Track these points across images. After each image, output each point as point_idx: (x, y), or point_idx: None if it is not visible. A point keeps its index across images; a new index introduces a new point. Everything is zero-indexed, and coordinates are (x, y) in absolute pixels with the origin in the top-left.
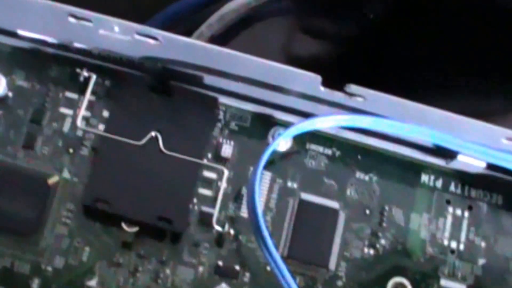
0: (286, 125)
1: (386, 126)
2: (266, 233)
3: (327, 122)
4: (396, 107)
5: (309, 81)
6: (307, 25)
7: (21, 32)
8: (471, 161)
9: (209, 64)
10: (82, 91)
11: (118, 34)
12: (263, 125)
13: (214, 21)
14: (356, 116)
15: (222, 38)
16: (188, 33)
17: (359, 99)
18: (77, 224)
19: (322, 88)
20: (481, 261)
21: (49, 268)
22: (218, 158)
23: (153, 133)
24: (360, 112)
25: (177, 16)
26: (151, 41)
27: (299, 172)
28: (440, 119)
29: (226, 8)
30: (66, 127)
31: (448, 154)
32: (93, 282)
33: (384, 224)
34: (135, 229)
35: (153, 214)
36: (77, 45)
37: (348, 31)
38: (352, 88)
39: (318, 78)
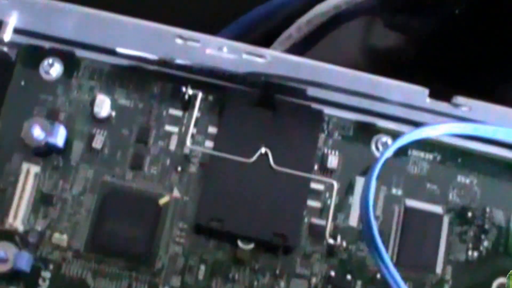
0: (388, 132)
1: (492, 132)
2: (379, 243)
3: (437, 130)
4: (499, 114)
5: (416, 93)
6: (392, 23)
7: (120, 50)
8: None
9: (314, 78)
10: (185, 108)
11: (225, 54)
12: (366, 134)
13: (303, 23)
14: (465, 124)
15: (309, 40)
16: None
17: (464, 108)
18: (190, 243)
19: (428, 100)
20: None
21: None
22: (325, 169)
23: (263, 150)
24: (468, 120)
25: (249, 25)
26: (258, 59)
27: (403, 178)
28: None
29: (315, 10)
30: (172, 145)
31: None
32: None
33: (486, 226)
34: (251, 246)
35: (268, 231)
36: (178, 61)
37: (433, 27)
38: (459, 99)
39: (425, 91)
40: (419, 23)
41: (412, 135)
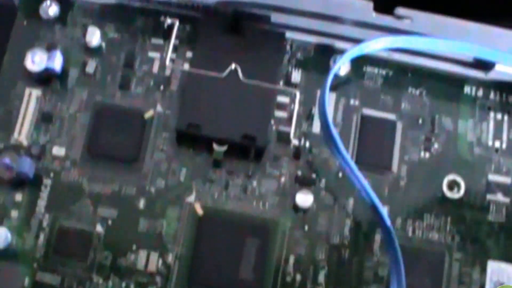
0: (344, 52)
1: (428, 43)
2: (338, 140)
3: (376, 44)
4: (440, 25)
5: (362, 7)
6: None
7: None
8: (508, 69)
9: (275, 2)
10: (166, 37)
11: None
12: (325, 54)
13: None
14: (401, 36)
15: None
16: None
17: (407, 21)
18: (172, 150)
19: (374, 14)
20: None
21: (152, 189)
22: (289, 84)
23: (233, 66)
24: (406, 33)
25: None
26: None
27: (359, 91)
28: (479, 32)
29: None
30: (155, 68)
31: (487, 65)
32: (191, 198)
33: (436, 131)
34: (224, 148)
35: (239, 133)
36: None
37: None
38: (400, 10)
39: (370, 4)
40: None
41: (354, 50)
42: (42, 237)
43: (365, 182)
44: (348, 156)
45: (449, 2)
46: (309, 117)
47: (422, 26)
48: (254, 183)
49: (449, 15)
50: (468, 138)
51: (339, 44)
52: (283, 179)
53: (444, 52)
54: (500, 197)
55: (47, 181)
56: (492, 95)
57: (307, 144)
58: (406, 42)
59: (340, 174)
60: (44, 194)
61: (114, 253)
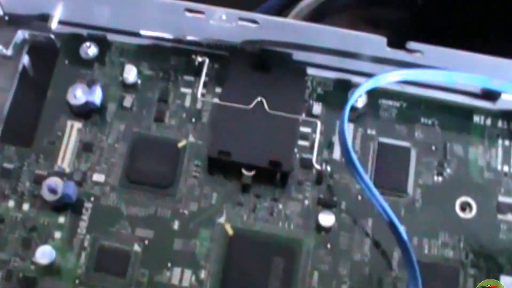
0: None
1: (438, 75)
2: (358, 164)
3: (389, 77)
4: (449, 57)
5: (376, 42)
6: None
7: (143, 32)
8: None
9: (297, 40)
10: (197, 74)
11: (224, 22)
12: (343, 88)
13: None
14: (413, 70)
15: None
16: None
17: (418, 54)
18: (204, 176)
19: (388, 49)
20: None
21: (186, 212)
22: (311, 115)
23: (259, 98)
24: (418, 66)
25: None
26: (252, 24)
27: (376, 121)
28: (487, 64)
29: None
30: (187, 103)
31: (494, 96)
32: (222, 219)
33: (448, 157)
34: (252, 173)
35: (266, 160)
36: (189, 37)
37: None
38: (412, 44)
39: (383, 39)
40: (389, 15)
41: (369, 83)
42: (83, 255)
43: (384, 202)
44: (367, 177)
45: (458, 34)
46: (330, 145)
47: (432, 59)
48: (280, 205)
49: (459, 47)
50: (478, 163)
51: (356, 79)
52: (306, 202)
53: (453, 84)
54: (510, 217)
55: (88, 205)
56: (500, 123)
57: (328, 169)
58: (417, 75)
59: (360, 197)
60: (85, 216)
61: (150, 271)
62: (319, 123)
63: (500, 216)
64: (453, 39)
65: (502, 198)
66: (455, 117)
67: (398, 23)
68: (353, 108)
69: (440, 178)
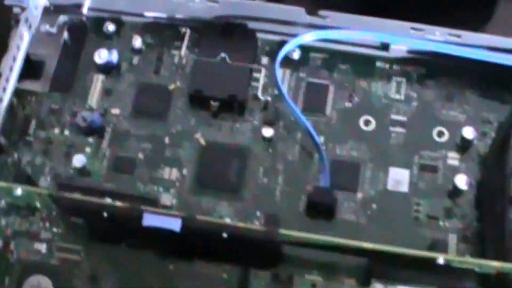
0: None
1: (343, 34)
2: (286, 96)
3: (306, 37)
4: (352, 20)
5: (298, 12)
6: None
7: (146, 13)
8: (400, 48)
9: (250, 14)
10: (182, 41)
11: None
12: (282, 46)
13: None
14: (322, 30)
15: None
16: None
17: (328, 19)
18: (186, 108)
19: (307, 16)
20: (414, 104)
21: (174, 130)
22: (260, 64)
23: (223, 54)
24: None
25: None
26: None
27: (306, 68)
28: (379, 23)
29: None
30: (176, 60)
31: (386, 46)
32: (198, 135)
33: (356, 90)
34: (218, 103)
35: (227, 93)
36: (177, 16)
37: None
38: (323, 12)
39: (302, 9)
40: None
41: (293, 41)
42: (105, 162)
43: (307, 121)
44: (293, 104)
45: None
46: (272, 84)
47: (339, 22)
48: (238, 125)
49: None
50: (378, 93)
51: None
52: (255, 122)
53: (357, 40)
54: (398, 129)
55: (108, 129)
56: (394, 67)
57: (270, 100)
58: (327, 34)
59: (292, 118)
60: (107, 137)
61: (150, 170)
62: (263, 70)
63: (391, 128)
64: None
65: (393, 116)
66: (362, 64)
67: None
68: (291, 60)
69: (350, 104)
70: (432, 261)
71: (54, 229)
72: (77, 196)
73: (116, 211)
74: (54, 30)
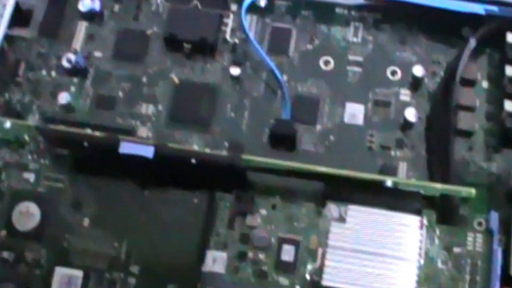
0: None
1: None
2: (254, 42)
3: None
4: None
5: None
6: None
7: None
8: None
9: None
10: None
11: None
12: None
13: None
14: None
15: None
16: None
17: None
18: (162, 50)
19: None
20: (370, 46)
21: (150, 71)
22: (229, 11)
23: (195, 1)
24: None
25: None
26: None
27: (271, 15)
28: None
29: None
30: (153, 8)
31: None
32: (172, 74)
33: (317, 34)
34: (190, 45)
35: (199, 37)
36: None
37: None
38: None
39: None
40: None
41: None
42: (88, 100)
43: (270, 61)
44: (259, 47)
45: None
46: (239, 29)
47: None
48: (208, 65)
49: None
50: (337, 37)
51: None
52: (224, 62)
53: None
54: (355, 68)
55: (91, 70)
56: (352, 12)
57: (237, 42)
58: None
59: (258, 58)
60: (90, 77)
61: (129, 107)
62: (232, 15)
63: (348, 68)
64: None
65: (351, 57)
66: (323, 10)
67: None
68: (258, 7)
69: (311, 46)
70: (381, 183)
71: (41, 161)
72: (61, 127)
73: (96, 140)
74: None
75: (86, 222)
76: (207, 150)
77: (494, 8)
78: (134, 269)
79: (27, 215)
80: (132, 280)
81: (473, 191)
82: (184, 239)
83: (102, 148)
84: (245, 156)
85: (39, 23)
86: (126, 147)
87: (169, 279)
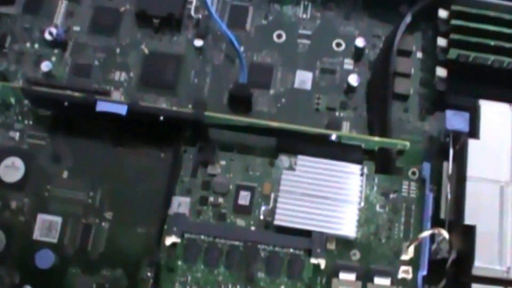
0: None
1: None
2: (216, 17)
3: None
4: None
5: None
6: None
7: None
8: None
9: None
10: None
11: None
12: None
13: None
14: None
15: None
16: None
17: None
18: (135, 24)
19: None
20: (318, 21)
21: (123, 43)
22: None
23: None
24: None
25: None
26: None
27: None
28: None
29: None
30: None
31: None
32: (143, 46)
33: (271, 10)
34: (158, 20)
35: (167, 13)
36: None
37: None
38: None
39: None
40: None
41: None
42: (67, 68)
43: (231, 34)
44: (218, 18)
45: None
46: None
47: None
48: (175, 37)
49: None
50: (288, 13)
51: None
52: (189, 35)
53: None
54: (304, 41)
55: (70, 42)
56: None
57: (201, 17)
58: None
59: (219, 33)
60: (69, 48)
61: (104, 73)
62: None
63: (298, 40)
64: None
65: (301, 31)
66: None
67: None
68: None
69: (265, 21)
70: (327, 137)
71: (25, 121)
72: (43, 89)
73: (75, 100)
74: None
75: (64, 174)
76: (173, 107)
77: None
78: (108, 214)
79: (13, 168)
80: (106, 225)
81: (407, 143)
82: (152, 187)
83: (80, 107)
84: (207, 113)
85: (23, 1)
86: (102, 106)
87: (139, 223)
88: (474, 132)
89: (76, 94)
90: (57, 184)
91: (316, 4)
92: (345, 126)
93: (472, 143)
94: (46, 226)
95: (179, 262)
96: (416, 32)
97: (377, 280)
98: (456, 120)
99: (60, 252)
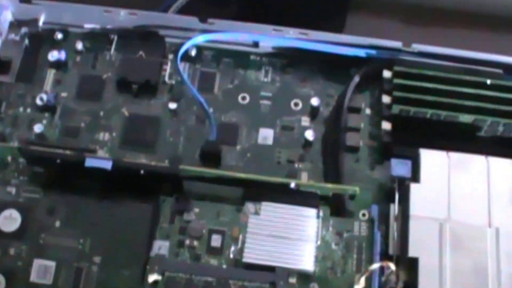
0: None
1: (226, 36)
2: (188, 82)
3: (198, 39)
4: (232, 26)
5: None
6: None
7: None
8: (269, 44)
9: (162, 23)
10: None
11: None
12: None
13: None
14: (208, 34)
15: None
16: None
17: (214, 25)
18: None
19: (200, 23)
20: (278, 84)
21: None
22: (167, 58)
23: (140, 52)
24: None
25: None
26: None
27: (200, 62)
28: (251, 28)
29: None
30: (112, 54)
31: (257, 44)
32: None
33: (236, 75)
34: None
35: (144, 78)
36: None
37: None
38: (210, 20)
39: (196, 18)
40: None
41: (188, 43)
42: (57, 130)
43: (200, 96)
44: (192, 86)
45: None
46: (177, 72)
47: (223, 27)
48: (152, 101)
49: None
50: (251, 77)
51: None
52: (165, 99)
53: (237, 40)
54: (266, 101)
55: (59, 107)
56: (264, 59)
57: (174, 83)
58: (214, 36)
59: (190, 96)
60: (58, 112)
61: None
62: (169, 62)
63: (261, 102)
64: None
65: (262, 93)
66: (240, 57)
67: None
68: (189, 56)
69: (231, 85)
70: (287, 185)
71: (21, 177)
72: (38, 148)
73: (66, 157)
74: (18, 38)
75: (57, 223)
76: (152, 162)
77: (373, 52)
78: (96, 259)
79: (10, 219)
80: (95, 268)
81: (357, 189)
82: (136, 234)
83: (71, 164)
84: (182, 167)
85: (16, 71)
86: (90, 162)
87: (124, 266)
88: (415, 177)
89: (67, 152)
90: (51, 232)
91: (276, 68)
92: (304, 175)
93: (414, 186)
94: (42, 270)
95: None
96: (365, 91)
97: None
98: (400, 167)
99: None
